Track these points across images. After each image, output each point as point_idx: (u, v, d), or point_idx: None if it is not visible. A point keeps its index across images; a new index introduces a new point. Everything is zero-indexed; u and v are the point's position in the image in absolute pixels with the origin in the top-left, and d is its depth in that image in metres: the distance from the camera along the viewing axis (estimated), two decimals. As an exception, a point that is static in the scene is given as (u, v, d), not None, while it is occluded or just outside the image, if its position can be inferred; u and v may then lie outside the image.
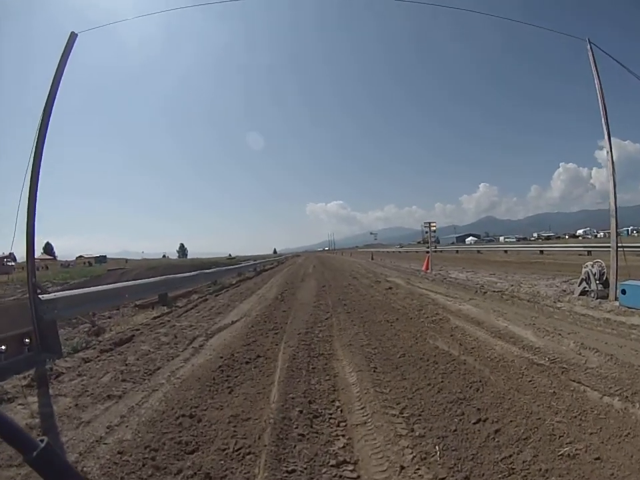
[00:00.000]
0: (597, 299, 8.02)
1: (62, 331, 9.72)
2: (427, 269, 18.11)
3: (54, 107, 7.35)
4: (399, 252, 68.57)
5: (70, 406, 3.94)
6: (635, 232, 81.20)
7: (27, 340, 6.17)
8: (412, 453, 2.84)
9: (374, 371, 4.49)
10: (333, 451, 2.91)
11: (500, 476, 2.53)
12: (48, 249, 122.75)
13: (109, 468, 2.72)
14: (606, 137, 8.64)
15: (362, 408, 3.58)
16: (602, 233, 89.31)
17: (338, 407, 3.64)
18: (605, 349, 4.89)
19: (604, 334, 5.70)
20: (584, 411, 3.34)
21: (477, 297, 9.48)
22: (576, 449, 2.76)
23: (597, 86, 8.87)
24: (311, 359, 5.08)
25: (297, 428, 3.22)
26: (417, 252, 59.15)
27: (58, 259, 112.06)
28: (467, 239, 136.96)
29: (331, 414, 3.52)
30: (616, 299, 7.66)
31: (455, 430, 3.14)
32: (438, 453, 2.82)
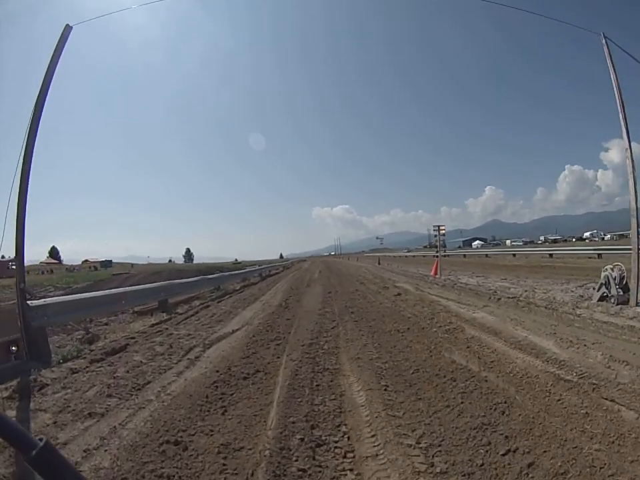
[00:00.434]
0: (617, 304, 7.55)
1: (56, 338, 9.38)
2: (436, 273, 17.61)
3: (46, 104, 7.04)
4: (406, 256, 68.19)
5: (48, 423, 3.59)
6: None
7: (13, 348, 5.84)
8: (434, 496, 2.38)
9: (385, 390, 4.00)
10: (339, 492, 2.46)
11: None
12: (54, 253, 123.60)
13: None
14: (624, 133, 8.20)
15: (372, 436, 3.10)
16: (609, 236, 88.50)
17: (345, 434, 3.17)
18: (635, 361, 4.43)
19: (630, 343, 5.25)
20: (621, 434, 2.93)
21: (490, 304, 8.96)
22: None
23: (613, 81, 8.49)
24: (315, 374, 4.60)
25: (296, 461, 2.76)
26: (424, 256, 58.77)
27: (64, 263, 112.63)
28: (473, 243, 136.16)
29: (336, 442, 3.05)
30: (637, 304, 7.24)
31: (482, 464, 2.68)
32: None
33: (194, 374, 4.90)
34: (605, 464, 2.59)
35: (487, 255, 45.13)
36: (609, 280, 7.95)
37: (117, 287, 18.22)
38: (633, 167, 8.03)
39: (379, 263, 38.22)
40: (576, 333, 5.90)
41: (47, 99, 7.18)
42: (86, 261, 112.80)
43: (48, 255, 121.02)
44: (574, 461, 2.67)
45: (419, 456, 2.80)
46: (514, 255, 38.37)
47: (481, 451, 2.85)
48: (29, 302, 6.13)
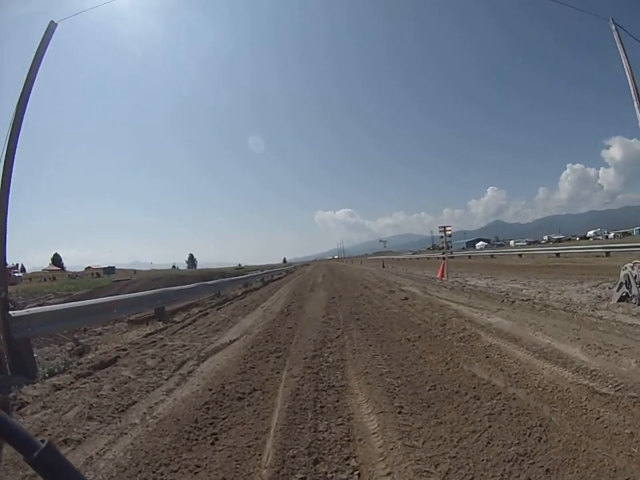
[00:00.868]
0: (639, 305, 7.11)
1: (47, 349, 8.96)
2: (443, 276, 17.06)
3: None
4: (410, 259, 67.81)
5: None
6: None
7: (-7, 362, 5.49)
8: None
9: (399, 413, 3.45)
10: None
11: None
12: (56, 259, 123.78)
13: None
14: (640, 121, 7.77)
15: (388, 474, 2.57)
16: (612, 234, 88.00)
17: (354, 471, 2.65)
18: (673, 367, 3.91)
19: (662, 348, 4.74)
20: (676, 459, 2.41)
21: (505, 307, 8.43)
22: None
23: (625, 66, 8.12)
24: (319, 393, 4.04)
25: (297, 511, 2.26)
26: (427, 258, 58.30)
27: (67, 269, 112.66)
28: (477, 244, 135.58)
29: (345, 482, 2.55)
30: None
31: (526, 512, 2.18)
32: None
33: (184, 393, 4.39)
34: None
35: (492, 256, 44.53)
36: (629, 279, 7.50)
37: (116, 294, 17.78)
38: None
39: (383, 266, 37.68)
40: (601, 338, 5.41)
41: (29, 98, 6.81)
42: (89, 267, 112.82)
43: (51, 262, 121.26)
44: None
45: (447, 502, 2.30)
46: (520, 255, 37.77)
47: (521, 492, 2.36)
48: (11, 312, 5.73)
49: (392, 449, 2.87)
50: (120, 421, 3.75)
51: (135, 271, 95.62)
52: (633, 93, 7.93)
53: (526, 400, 3.61)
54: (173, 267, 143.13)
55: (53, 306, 8.42)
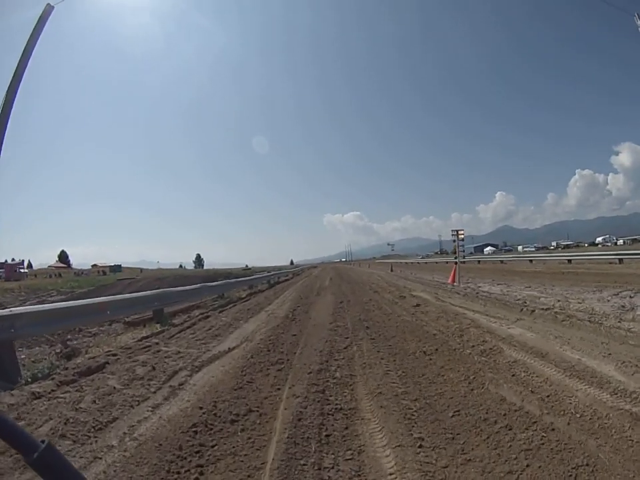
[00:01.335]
0: (666, 316, 6.52)
1: (36, 349, 8.52)
2: (454, 281, 16.45)
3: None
4: (418, 263, 67.39)
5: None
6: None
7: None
8: None
9: (420, 446, 2.88)
10: None
11: None
12: (63, 256, 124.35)
13: None
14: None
15: (411, 535, 2.06)
16: (621, 240, 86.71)
17: (368, 528, 2.13)
18: None
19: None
20: None
21: (524, 317, 7.83)
22: None
23: None
24: (325, 418, 3.46)
25: None
26: (436, 262, 57.68)
27: (73, 267, 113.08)
28: (485, 249, 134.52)
29: None
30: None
31: None
32: None
33: (171, 410, 3.87)
34: None
35: (502, 261, 43.70)
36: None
37: (118, 293, 17.37)
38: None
39: (392, 270, 37.12)
40: (635, 353, 4.86)
41: (21, 81, 6.40)
42: (95, 265, 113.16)
43: (57, 259, 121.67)
44: None
45: None
46: (531, 261, 36.95)
47: None
48: (-8, 312, 5.36)
49: (414, 498, 2.32)
50: (96, 442, 3.28)
51: (142, 270, 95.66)
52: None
53: (567, 431, 3.05)
54: (180, 266, 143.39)
55: (40, 306, 7.96)
